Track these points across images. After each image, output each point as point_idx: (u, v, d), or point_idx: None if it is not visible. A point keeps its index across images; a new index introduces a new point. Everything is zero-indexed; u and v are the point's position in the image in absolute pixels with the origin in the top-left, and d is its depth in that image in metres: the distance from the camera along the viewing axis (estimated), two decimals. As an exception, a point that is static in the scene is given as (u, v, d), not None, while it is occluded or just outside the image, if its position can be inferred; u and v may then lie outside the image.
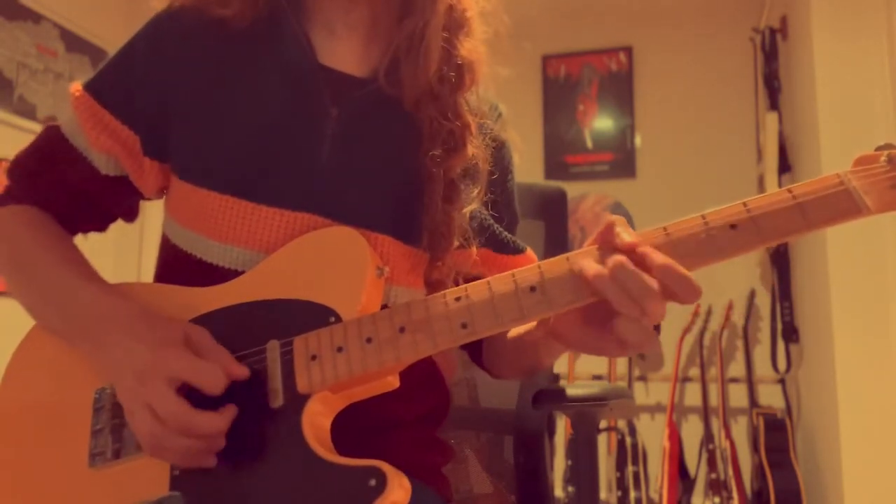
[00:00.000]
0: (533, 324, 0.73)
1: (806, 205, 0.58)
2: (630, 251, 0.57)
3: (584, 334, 0.63)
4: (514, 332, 0.79)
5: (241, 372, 0.63)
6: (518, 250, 0.85)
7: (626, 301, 0.55)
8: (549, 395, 0.98)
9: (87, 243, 0.82)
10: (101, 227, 0.85)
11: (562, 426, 3.01)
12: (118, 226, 0.87)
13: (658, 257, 0.56)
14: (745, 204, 0.59)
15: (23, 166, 0.80)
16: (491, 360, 0.87)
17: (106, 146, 0.77)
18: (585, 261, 0.59)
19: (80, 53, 3.20)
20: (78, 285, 0.72)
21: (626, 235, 0.58)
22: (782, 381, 3.16)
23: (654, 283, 0.55)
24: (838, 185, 0.58)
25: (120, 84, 0.78)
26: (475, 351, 0.88)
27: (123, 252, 3.17)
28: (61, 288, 0.72)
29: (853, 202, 0.57)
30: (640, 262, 0.56)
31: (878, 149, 0.59)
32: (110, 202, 0.82)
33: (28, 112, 2.94)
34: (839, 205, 0.57)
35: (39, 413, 0.71)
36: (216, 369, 0.61)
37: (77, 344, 0.70)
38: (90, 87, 0.79)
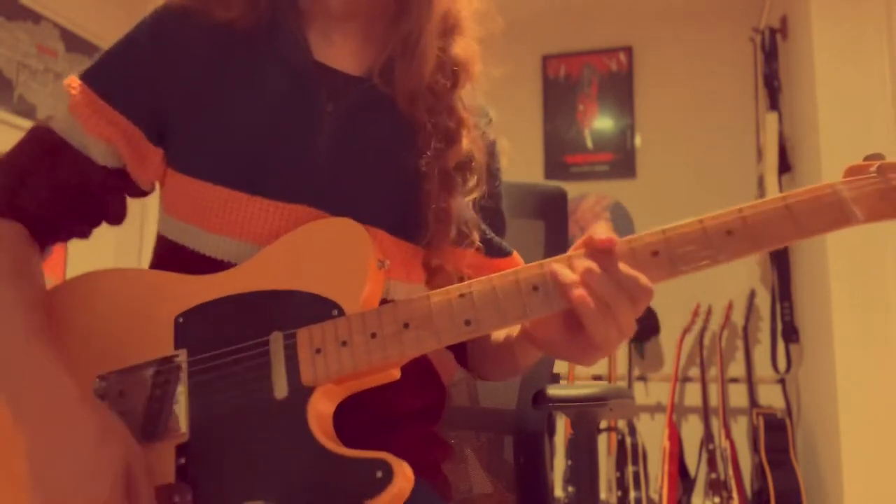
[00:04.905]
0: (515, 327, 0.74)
1: (798, 214, 0.60)
2: (605, 253, 0.61)
3: (559, 338, 0.64)
4: (496, 334, 0.80)
5: None
6: (506, 253, 0.86)
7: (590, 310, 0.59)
8: (549, 395, 0.97)
9: (87, 241, 0.81)
10: (86, 231, 0.80)
11: (562, 426, 3.01)
12: (118, 226, 0.86)
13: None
14: (740, 210, 0.61)
15: (5, 169, 0.76)
16: (476, 362, 0.87)
17: (105, 133, 0.75)
18: (558, 265, 0.62)
19: (80, 53, 3.20)
20: (23, 340, 0.66)
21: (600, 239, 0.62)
22: (782, 381, 3.16)
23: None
24: (830, 194, 0.60)
25: (120, 75, 0.77)
26: (460, 353, 0.88)
27: (123, 251, 3.17)
28: (5, 335, 0.67)
29: (843, 212, 0.59)
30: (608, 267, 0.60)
31: (868, 158, 0.61)
32: (102, 198, 0.78)
33: (28, 112, 2.94)
34: (830, 214, 0.60)
35: None
36: None
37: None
38: (88, 79, 0.77)
